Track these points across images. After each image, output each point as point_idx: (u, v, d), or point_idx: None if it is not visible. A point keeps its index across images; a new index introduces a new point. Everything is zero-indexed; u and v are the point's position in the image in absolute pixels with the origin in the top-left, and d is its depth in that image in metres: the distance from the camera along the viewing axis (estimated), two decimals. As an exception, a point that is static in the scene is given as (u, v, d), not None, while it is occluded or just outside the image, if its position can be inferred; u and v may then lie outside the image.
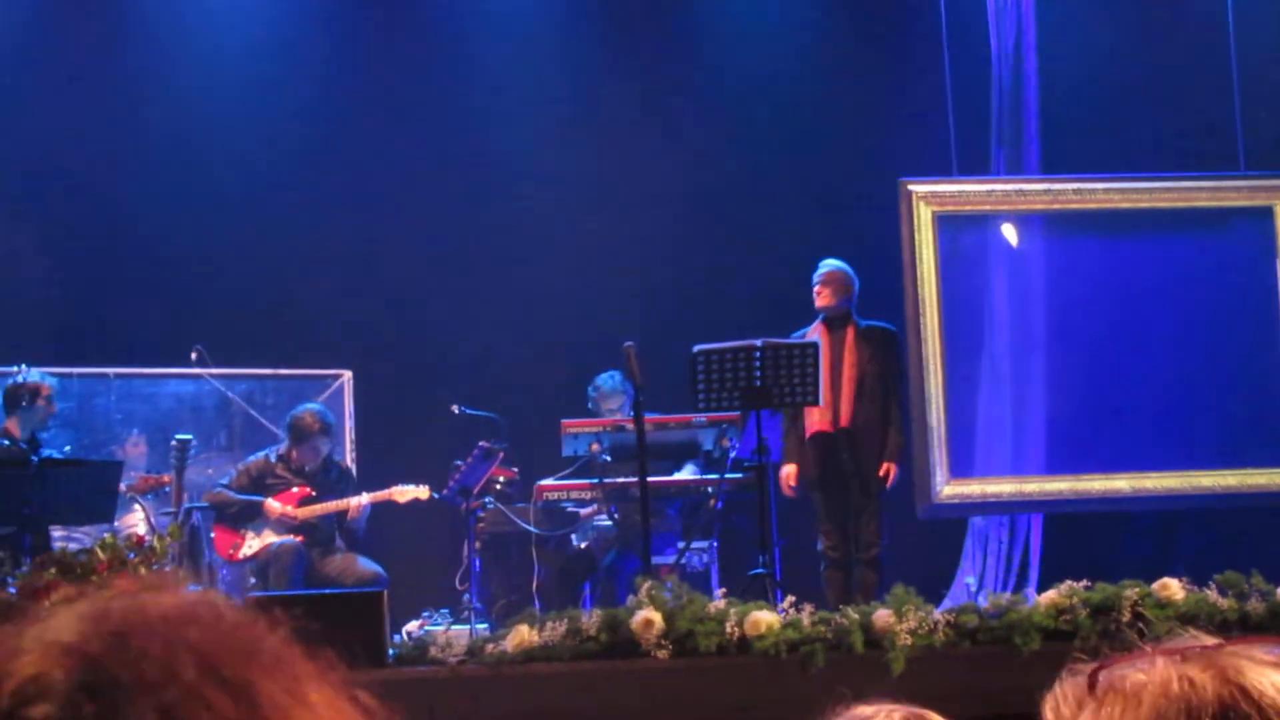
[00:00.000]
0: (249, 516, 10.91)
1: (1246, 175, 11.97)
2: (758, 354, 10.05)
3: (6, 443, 10.57)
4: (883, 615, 8.47)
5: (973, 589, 11.33)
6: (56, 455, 10.40)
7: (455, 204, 13.05)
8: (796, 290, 12.40)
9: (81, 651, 1.03)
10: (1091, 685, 1.56)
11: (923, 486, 11.45)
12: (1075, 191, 11.99)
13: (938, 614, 8.63)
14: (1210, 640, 1.54)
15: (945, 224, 11.81)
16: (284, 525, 10.89)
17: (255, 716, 1.04)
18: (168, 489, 10.93)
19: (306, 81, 13.17)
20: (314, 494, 11.06)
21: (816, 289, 10.90)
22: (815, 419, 10.69)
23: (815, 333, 10.65)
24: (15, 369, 10.86)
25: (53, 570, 8.24)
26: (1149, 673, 1.51)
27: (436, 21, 13.59)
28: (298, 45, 13.24)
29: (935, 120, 12.56)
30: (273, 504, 10.89)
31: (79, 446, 10.95)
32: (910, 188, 11.78)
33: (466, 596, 10.77)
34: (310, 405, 11.31)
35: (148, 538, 8.77)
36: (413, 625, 10.36)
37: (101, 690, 1.01)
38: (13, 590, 8.19)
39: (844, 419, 10.69)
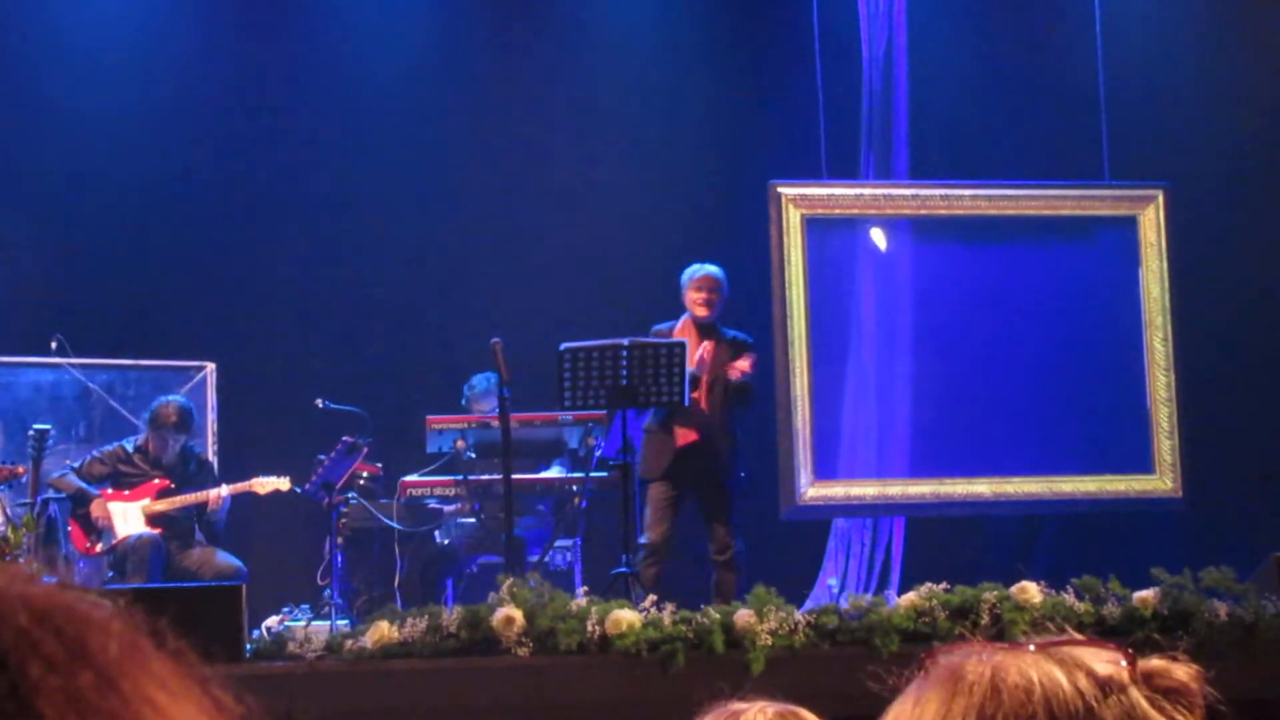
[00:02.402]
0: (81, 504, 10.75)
1: (1111, 185, 12.12)
2: (625, 352, 10.04)
3: None
4: (744, 615, 8.51)
5: (835, 590, 11.39)
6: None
7: (323, 195, 12.96)
8: (665, 290, 12.44)
9: None
10: (922, 667, 1.58)
11: (786, 488, 11.49)
12: (943, 197, 12.08)
13: (799, 615, 8.69)
14: (1042, 639, 1.55)
15: (814, 227, 11.86)
16: (144, 516, 10.76)
17: (87, 666, 1.03)
18: (23, 479, 10.77)
19: (176, 65, 13.03)
20: (172, 486, 10.94)
21: (704, 295, 10.73)
22: (682, 429, 10.57)
23: (682, 332, 10.61)
24: None
25: (-96, 560, 8.12)
26: (970, 655, 1.54)
27: (324, 14, 13.52)
28: (180, 29, 13.10)
29: (806, 123, 12.61)
30: (101, 504, 10.74)
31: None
32: (780, 190, 11.82)
33: (327, 592, 10.69)
34: (174, 397, 11.19)
35: (2, 528, 8.66)
36: (273, 620, 10.27)
37: None
38: None
39: (711, 420, 10.62)
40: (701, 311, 10.66)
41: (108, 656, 1.05)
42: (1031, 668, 1.50)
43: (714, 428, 10.49)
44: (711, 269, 10.78)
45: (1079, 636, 1.57)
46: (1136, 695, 1.50)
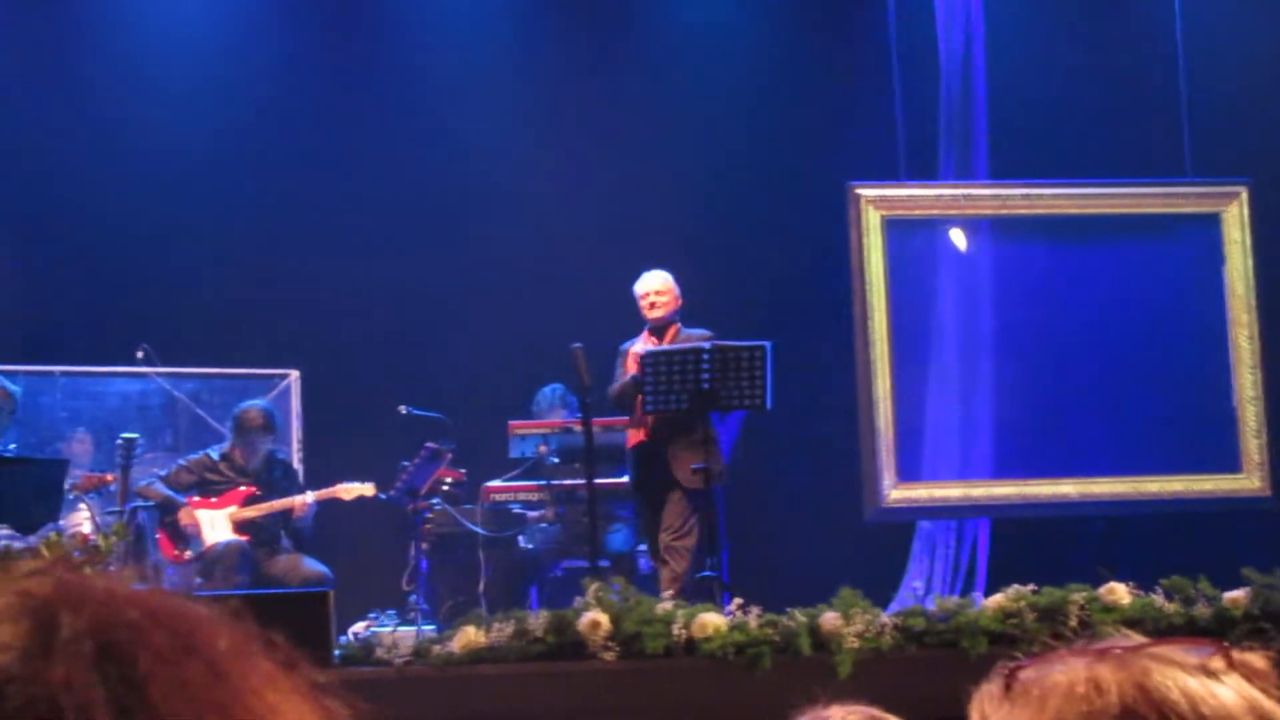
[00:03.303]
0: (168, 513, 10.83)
1: (1194, 182, 12.04)
2: (705, 356, 10.04)
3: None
4: (830, 618, 8.49)
5: (920, 593, 11.35)
6: (2, 454, 10.32)
7: (407, 205, 13.01)
8: (746, 294, 12.45)
9: (25, 591, 1.06)
10: (1008, 685, 1.56)
11: (870, 490, 11.47)
12: (1023, 197, 12.03)
13: (885, 617, 8.66)
14: (1134, 640, 1.54)
15: (893, 228, 11.83)
16: (231, 523, 10.83)
17: (196, 660, 1.05)
18: (112, 488, 10.86)
19: (258, 80, 13.12)
20: (258, 493, 11.00)
21: (649, 300, 10.55)
22: (633, 431, 10.51)
23: (644, 341, 10.50)
24: None
25: (-4, 569, 8.18)
26: (1061, 674, 1.52)
27: (391, 20, 13.57)
28: (252, 44, 13.19)
29: (884, 125, 12.59)
30: (189, 512, 10.82)
31: (24, 445, 10.86)
32: (858, 192, 11.80)
33: (413, 598, 10.73)
34: (257, 402, 11.26)
35: (93, 537, 8.72)
36: (359, 626, 10.32)
37: (42, 618, 1.03)
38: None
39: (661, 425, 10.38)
40: (661, 314, 10.55)
41: (216, 650, 1.08)
42: (1125, 672, 1.49)
43: (663, 428, 10.27)
44: (648, 277, 10.66)
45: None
46: (1238, 684, 1.50)
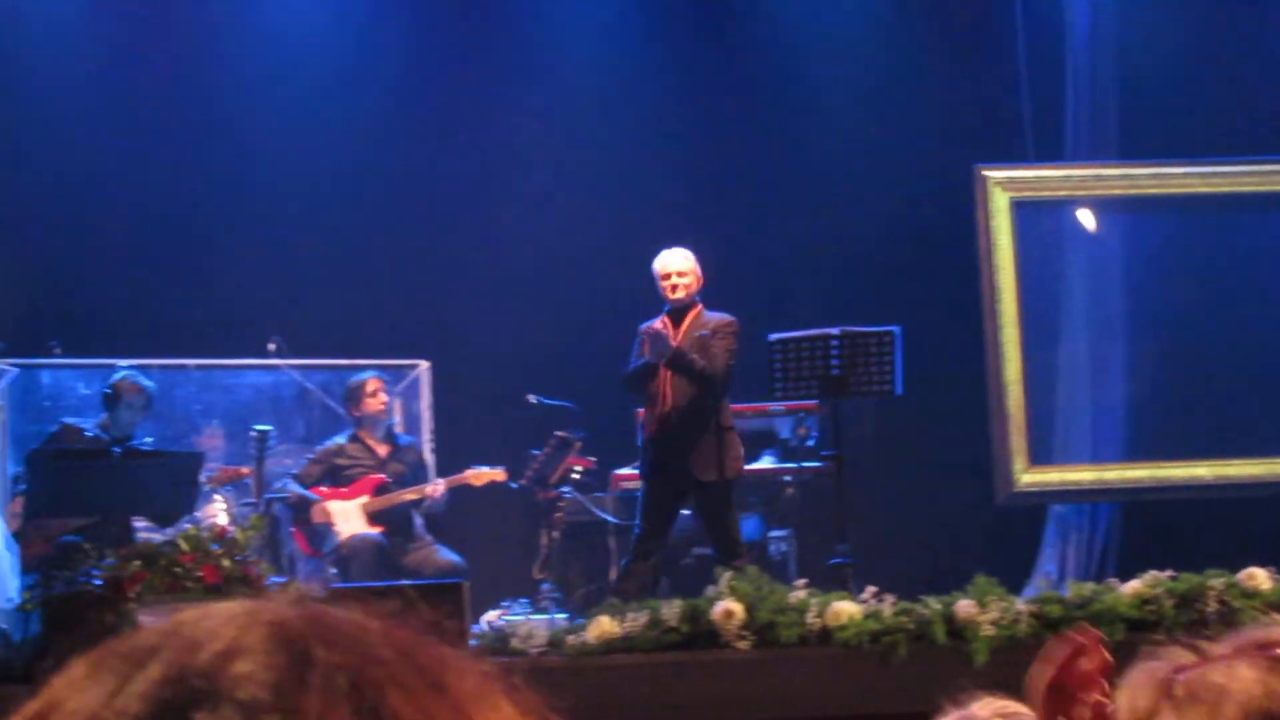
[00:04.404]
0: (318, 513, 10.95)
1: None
2: (835, 342, 10.00)
3: (97, 434, 10.65)
4: (965, 606, 8.45)
5: (1053, 578, 11.26)
6: (139, 447, 10.47)
7: (536, 196, 13.02)
8: (873, 278, 12.39)
9: (278, 622, 1.07)
10: (1168, 690, 1.55)
11: (1001, 474, 11.41)
12: (1153, 176, 11.94)
13: (1020, 604, 8.60)
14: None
15: (1022, 209, 11.76)
16: (363, 514, 10.93)
17: (443, 699, 1.06)
18: (247, 480, 10.99)
19: (388, 70, 13.19)
20: (388, 481, 11.09)
21: (670, 281, 10.05)
22: (649, 421, 10.08)
23: (663, 324, 10.06)
24: (112, 364, 10.96)
25: (137, 562, 8.30)
26: (1230, 678, 1.50)
27: (520, 14, 13.62)
28: (377, 33, 13.28)
29: (1010, 105, 12.50)
30: (321, 509, 10.92)
31: (160, 438, 11.00)
32: (986, 173, 11.75)
33: (545, 586, 10.78)
34: (368, 372, 11.40)
35: (230, 529, 8.82)
36: (492, 615, 10.37)
37: (295, 652, 1.04)
38: (98, 582, 8.24)
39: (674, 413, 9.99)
40: (673, 296, 10.05)
41: (463, 690, 1.08)
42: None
43: (679, 418, 9.89)
44: (668, 255, 10.16)
45: None
46: None
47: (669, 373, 9.88)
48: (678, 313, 10.04)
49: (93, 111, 12.61)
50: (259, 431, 10.74)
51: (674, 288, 10.00)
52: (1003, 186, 11.75)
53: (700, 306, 10.09)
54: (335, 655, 1.04)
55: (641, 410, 10.37)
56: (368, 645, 1.06)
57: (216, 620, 1.08)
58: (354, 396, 11.23)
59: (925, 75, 13.42)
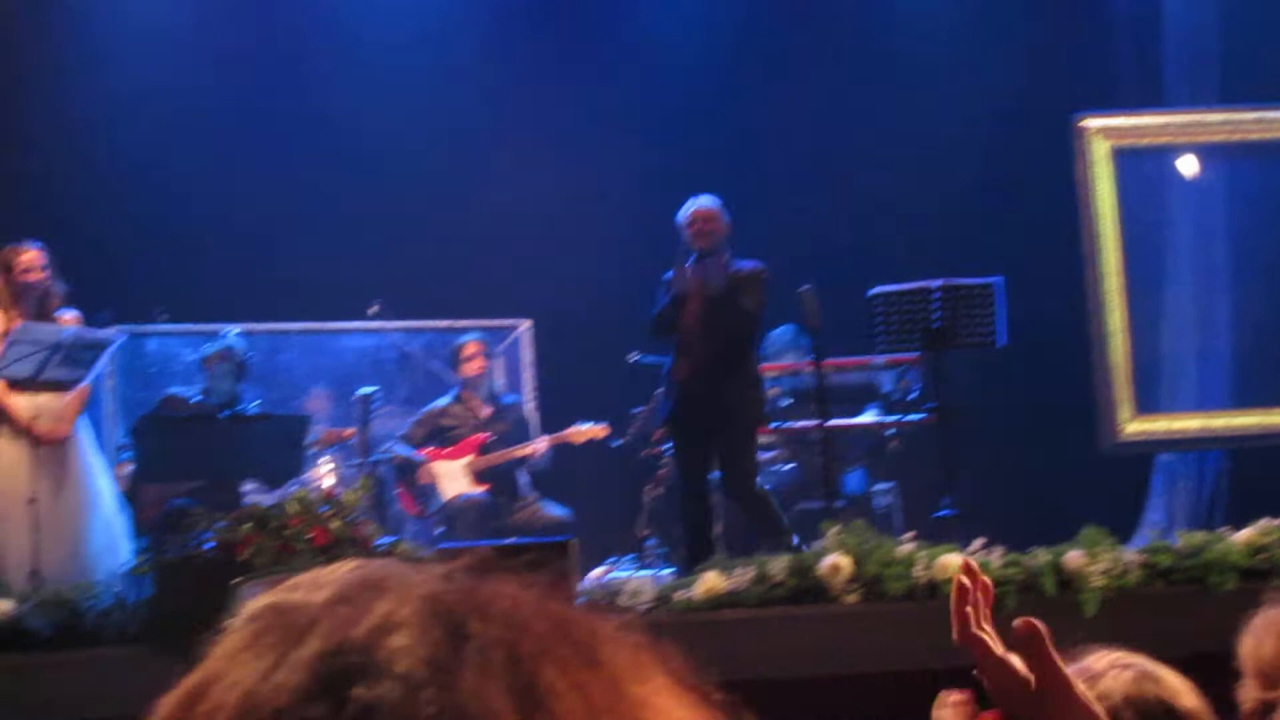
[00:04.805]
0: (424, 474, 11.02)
1: None
2: (936, 295, 9.98)
3: (202, 399, 10.77)
4: (1075, 556, 8.41)
5: (1161, 527, 11.19)
6: (246, 411, 10.58)
7: (634, 151, 13.01)
8: (970, 230, 12.31)
9: (433, 595, 1.08)
10: None
11: (1105, 423, 11.33)
12: (1256, 121, 11.80)
13: (1129, 554, 8.56)
14: None
15: (1122, 158, 11.66)
16: (468, 473, 11.00)
17: (598, 673, 1.06)
18: (352, 442, 11.08)
19: (474, 34, 13.22)
20: (491, 438, 11.16)
21: (696, 228, 9.97)
22: (681, 363, 9.95)
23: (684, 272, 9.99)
24: (216, 330, 11.08)
25: (248, 525, 8.38)
26: None
27: None
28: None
29: (1107, 52, 12.39)
30: (426, 470, 10.99)
31: (265, 401, 11.11)
32: (1085, 123, 11.64)
33: (649, 542, 10.82)
34: (471, 334, 11.47)
35: (338, 492, 8.90)
36: (598, 571, 10.42)
37: (452, 626, 1.05)
38: (209, 545, 8.34)
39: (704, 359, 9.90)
40: (699, 242, 9.94)
41: (618, 665, 1.08)
42: None
43: (709, 363, 9.80)
44: (699, 201, 10.09)
45: None
46: None
47: (699, 318, 9.79)
48: (708, 260, 9.96)
49: (195, 79, 12.70)
50: (363, 394, 10.83)
51: (699, 232, 9.94)
52: (1102, 135, 11.64)
53: (728, 255, 10.01)
54: (491, 629, 1.05)
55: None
56: (522, 619, 1.06)
57: (378, 594, 1.09)
58: (455, 359, 11.32)
59: (1022, 23, 13.31)
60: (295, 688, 1.03)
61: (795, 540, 9.32)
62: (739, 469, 9.85)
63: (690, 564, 9.28)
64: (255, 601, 1.95)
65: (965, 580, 2.46)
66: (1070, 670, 3.02)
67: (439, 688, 1.02)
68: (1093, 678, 2.94)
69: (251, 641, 1.09)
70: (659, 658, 1.13)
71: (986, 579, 2.53)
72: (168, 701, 1.10)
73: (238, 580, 7.60)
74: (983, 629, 2.54)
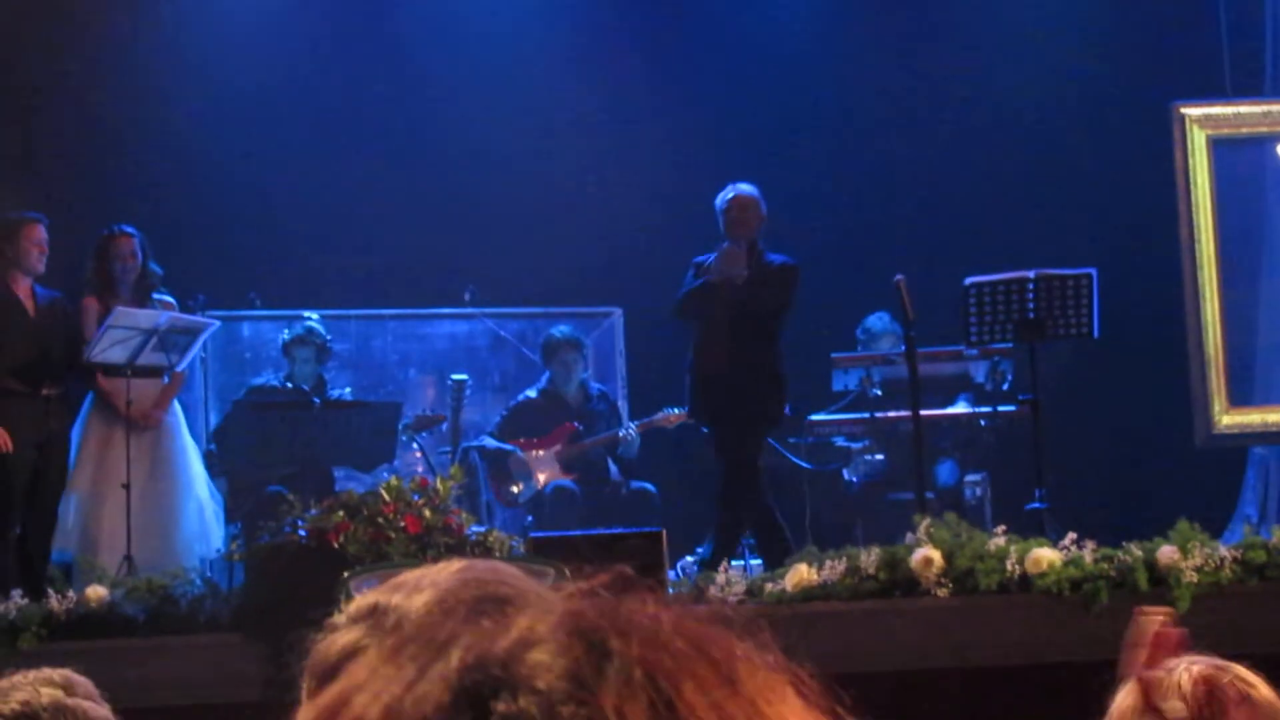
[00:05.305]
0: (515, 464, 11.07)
1: None
2: (1031, 285, 9.93)
3: (290, 385, 10.84)
4: (1167, 551, 8.35)
5: (1254, 521, 11.09)
6: (339, 397, 10.64)
7: (723, 140, 12.99)
8: (1066, 219, 12.24)
9: (573, 612, 1.09)
10: None
11: (1200, 416, 11.23)
12: (1357, 111, 11.65)
13: (1223, 550, 8.48)
14: None
15: (1220, 148, 11.54)
16: (557, 462, 11.03)
17: (736, 693, 1.07)
18: (443, 427, 11.12)
19: (565, 25, 13.23)
20: (580, 428, 11.18)
21: (732, 215, 10.01)
22: (705, 358, 10.01)
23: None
24: (299, 315, 11.14)
25: (340, 513, 8.43)
26: None
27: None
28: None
29: (1207, 41, 12.27)
30: (516, 459, 11.03)
31: (358, 388, 11.18)
32: (1183, 111, 11.53)
33: (738, 532, 10.80)
34: (561, 327, 11.50)
35: (431, 480, 8.94)
36: (687, 560, 10.43)
37: (592, 642, 1.06)
38: (303, 533, 8.39)
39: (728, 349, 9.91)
40: (733, 232, 9.98)
41: (754, 684, 1.09)
42: None
43: (732, 355, 9.79)
44: (738, 188, 10.11)
45: None
46: None
47: (725, 308, 9.78)
48: (735, 248, 9.96)
49: (289, 69, 12.75)
50: (456, 381, 10.87)
51: (734, 221, 9.97)
52: (1200, 124, 11.52)
53: (760, 247, 10.04)
54: (632, 647, 1.06)
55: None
56: (662, 637, 1.07)
57: (520, 610, 1.10)
58: (547, 351, 11.35)
59: (1122, 11, 13.20)
60: (437, 701, 1.05)
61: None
62: (736, 459, 9.87)
63: (718, 556, 9.35)
64: (367, 597, 1.96)
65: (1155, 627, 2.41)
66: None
67: (579, 704, 1.03)
68: (1167, 671, 3.00)
69: (391, 655, 1.11)
70: (793, 677, 1.14)
71: (1176, 631, 2.49)
72: (307, 713, 1.13)
73: (347, 573, 7.66)
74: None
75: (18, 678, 2.73)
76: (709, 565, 9.30)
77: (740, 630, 1.13)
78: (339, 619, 1.93)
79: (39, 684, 2.72)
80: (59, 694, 2.71)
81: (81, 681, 2.80)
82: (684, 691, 1.05)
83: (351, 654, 1.83)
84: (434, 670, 1.07)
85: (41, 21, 12.15)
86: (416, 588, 1.86)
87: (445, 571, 1.88)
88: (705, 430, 10.36)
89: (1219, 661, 3.05)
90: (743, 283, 9.82)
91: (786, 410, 10.27)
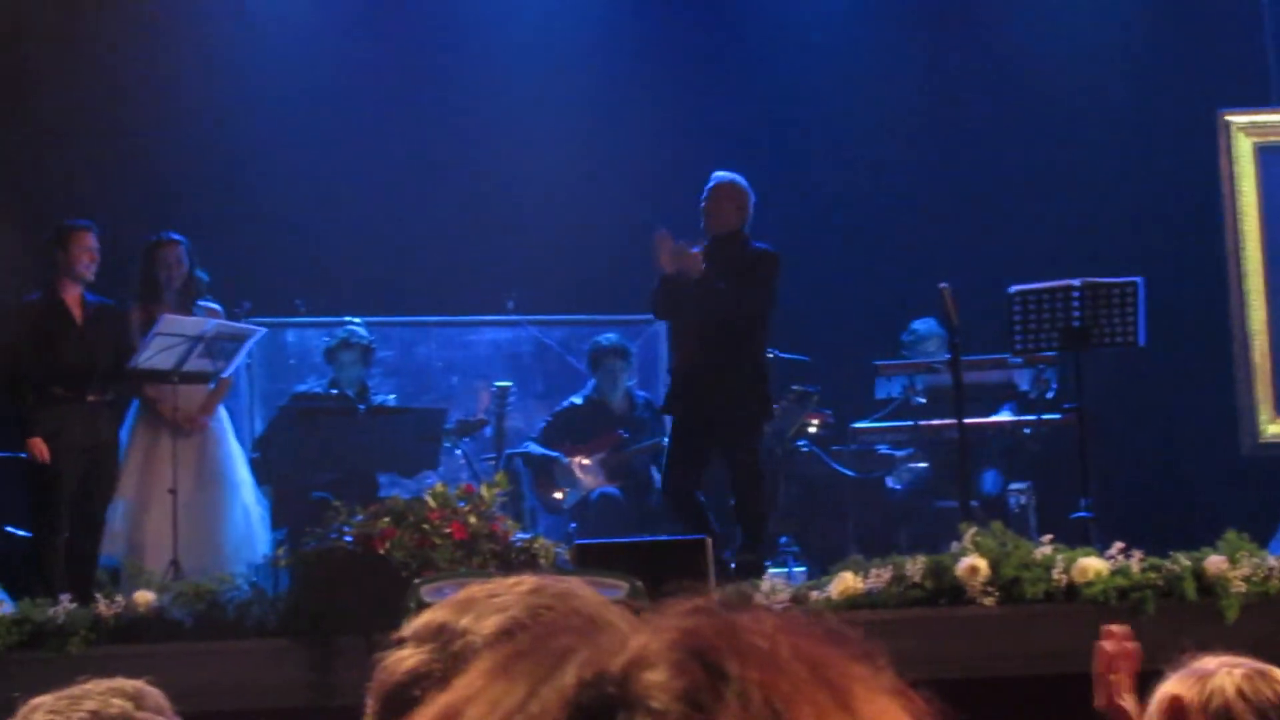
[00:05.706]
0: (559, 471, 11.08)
1: None
2: (1076, 293, 9.90)
3: (335, 392, 10.87)
4: (1216, 561, 8.32)
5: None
6: (384, 403, 10.67)
7: (761, 149, 12.98)
8: (1111, 227, 12.20)
9: (692, 633, 1.08)
10: None
11: (1246, 425, 11.20)
12: (1402, 118, 11.61)
13: (1272, 560, 8.45)
14: None
15: (1266, 155, 11.51)
16: (601, 470, 11.03)
17: (853, 717, 1.08)
18: (486, 432, 11.13)
19: (605, 39, 13.23)
20: (625, 435, 11.18)
21: (704, 205, 9.93)
22: (679, 352, 9.95)
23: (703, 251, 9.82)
24: (343, 322, 11.16)
25: (386, 519, 8.45)
26: None
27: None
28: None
29: (1252, 48, 12.23)
30: (562, 466, 11.04)
31: (402, 394, 11.20)
32: (1228, 118, 11.51)
33: (783, 540, 10.80)
34: (609, 334, 11.50)
35: (476, 486, 8.95)
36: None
37: (708, 663, 1.06)
38: (349, 539, 8.41)
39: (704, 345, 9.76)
40: (704, 224, 9.91)
41: (870, 711, 1.10)
42: None
43: (708, 350, 9.68)
44: (716, 177, 10.00)
45: None
46: None
47: (693, 304, 9.66)
48: (718, 243, 9.85)
49: (335, 78, 12.78)
50: (499, 388, 10.89)
51: (703, 213, 9.92)
52: (1246, 131, 11.50)
53: (744, 240, 9.92)
54: (749, 670, 1.05)
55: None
56: (779, 660, 1.07)
57: (633, 630, 1.10)
58: (594, 359, 11.36)
59: (1166, 18, 13.15)
60: (554, 717, 1.05)
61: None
62: (736, 461, 9.80)
63: (757, 554, 9.42)
64: (435, 615, 1.95)
65: (1108, 646, 2.46)
66: (1182, 672, 3.05)
67: None
68: (1204, 676, 2.99)
69: (503, 669, 1.10)
70: (908, 700, 1.15)
71: (1131, 645, 2.52)
72: None
73: (418, 580, 7.68)
74: (1124, 699, 2.53)
75: (90, 685, 2.74)
76: (753, 568, 9.28)
77: (856, 651, 1.13)
78: (405, 632, 1.93)
79: (111, 694, 2.73)
80: (129, 706, 2.72)
81: (153, 693, 2.81)
82: (801, 717, 1.04)
83: (420, 677, 1.82)
84: (549, 685, 1.06)
85: (87, 35, 12.22)
86: (486, 609, 1.84)
87: (516, 591, 1.87)
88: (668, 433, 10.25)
89: (1257, 664, 3.05)
90: (700, 276, 9.65)
91: (775, 407, 10.20)
